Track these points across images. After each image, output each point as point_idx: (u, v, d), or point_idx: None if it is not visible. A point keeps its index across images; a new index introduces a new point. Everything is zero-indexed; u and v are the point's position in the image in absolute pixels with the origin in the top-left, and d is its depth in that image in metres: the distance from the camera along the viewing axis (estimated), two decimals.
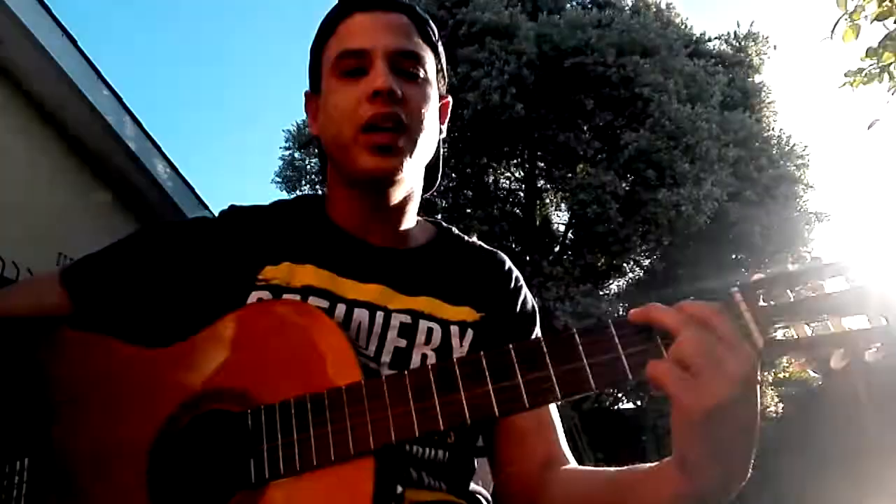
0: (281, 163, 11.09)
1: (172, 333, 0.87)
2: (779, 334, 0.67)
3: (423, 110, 0.92)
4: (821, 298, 0.66)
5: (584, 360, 0.68)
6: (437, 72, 0.98)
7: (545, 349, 0.70)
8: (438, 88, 0.98)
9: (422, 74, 0.93)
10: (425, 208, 1.04)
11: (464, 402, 0.71)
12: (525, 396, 0.69)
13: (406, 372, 0.75)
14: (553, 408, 0.95)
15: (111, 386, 0.87)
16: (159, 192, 4.68)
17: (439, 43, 0.99)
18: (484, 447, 0.98)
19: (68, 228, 4.07)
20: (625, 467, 0.80)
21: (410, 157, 0.91)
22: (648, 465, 0.76)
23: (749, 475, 0.69)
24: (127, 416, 0.84)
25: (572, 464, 0.92)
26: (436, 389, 0.72)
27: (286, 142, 11.09)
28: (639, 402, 11.55)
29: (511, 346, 0.72)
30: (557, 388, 0.69)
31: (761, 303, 0.68)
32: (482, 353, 0.72)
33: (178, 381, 0.83)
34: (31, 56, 3.49)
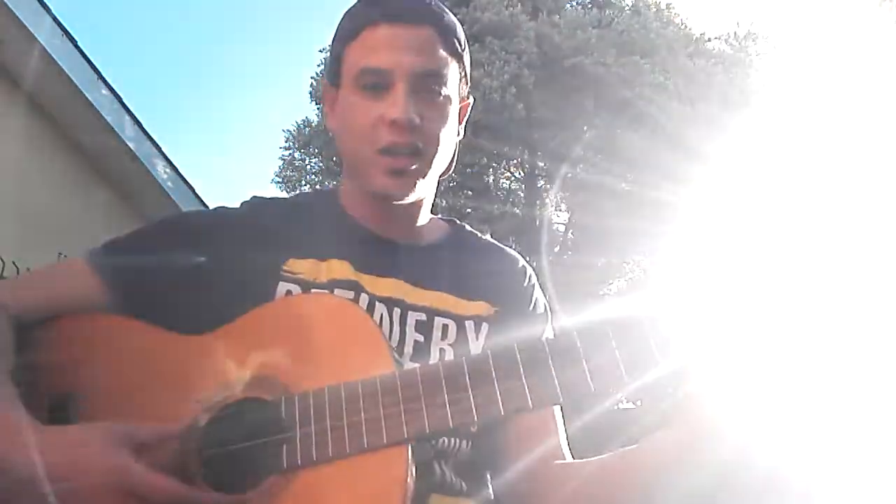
0: (281, 163, 11.10)
1: (200, 318, 0.88)
2: None
3: (440, 132, 0.94)
4: None
5: (617, 355, 0.71)
6: (461, 78, 0.99)
7: (578, 343, 0.72)
8: (460, 93, 1.00)
9: (443, 92, 0.94)
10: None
11: (498, 394, 0.72)
12: (559, 389, 0.71)
13: (440, 363, 0.78)
14: (557, 409, 0.96)
15: (144, 371, 0.88)
16: (159, 192, 4.68)
17: (465, 50, 0.99)
18: None
19: (68, 228, 4.07)
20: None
21: (424, 177, 0.95)
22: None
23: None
24: (159, 401, 0.85)
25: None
26: (470, 381, 0.74)
27: (286, 142, 11.11)
28: (639, 402, 11.55)
29: (545, 339, 0.75)
30: (590, 380, 0.71)
31: None
32: (516, 345, 0.74)
33: (211, 369, 0.84)
34: (31, 56, 3.49)
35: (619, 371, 0.71)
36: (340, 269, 0.95)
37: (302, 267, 0.95)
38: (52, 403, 0.86)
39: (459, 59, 0.97)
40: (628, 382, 0.71)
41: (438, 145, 0.94)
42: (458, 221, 1.11)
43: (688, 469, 0.75)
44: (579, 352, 0.72)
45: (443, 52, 0.93)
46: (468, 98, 1.05)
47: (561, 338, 0.74)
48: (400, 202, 0.95)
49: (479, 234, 1.10)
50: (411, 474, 0.72)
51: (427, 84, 0.92)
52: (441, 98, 0.93)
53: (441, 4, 0.97)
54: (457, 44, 0.96)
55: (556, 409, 0.96)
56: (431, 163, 0.94)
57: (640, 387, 0.71)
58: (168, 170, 4.75)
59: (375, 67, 0.90)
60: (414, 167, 0.92)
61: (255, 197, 1.06)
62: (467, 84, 1.03)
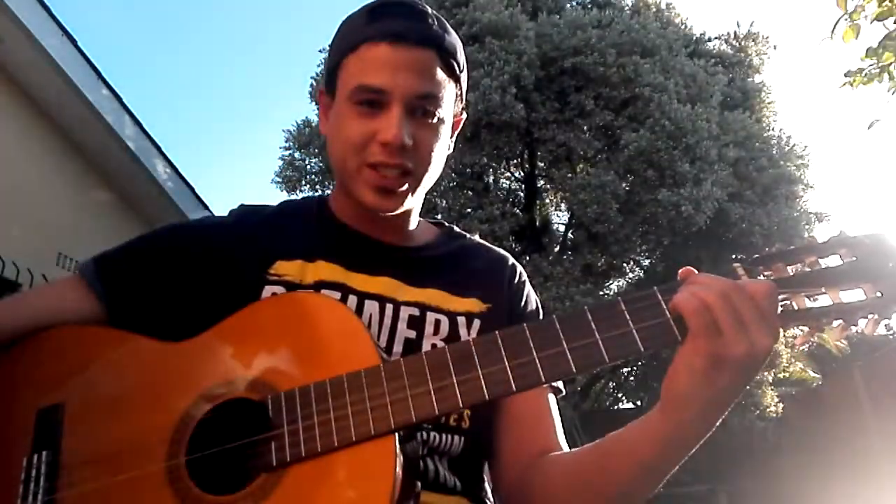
0: (281, 163, 11.07)
1: (189, 327, 0.88)
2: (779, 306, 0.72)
3: (431, 153, 0.95)
4: (818, 272, 0.71)
5: (597, 335, 0.72)
6: (456, 97, 0.99)
7: (558, 326, 0.74)
8: (455, 111, 1.00)
9: (438, 114, 0.94)
10: (425, 208, 1.06)
11: (482, 379, 0.73)
12: (541, 371, 0.73)
13: (423, 353, 0.77)
14: (552, 401, 0.97)
15: (130, 378, 0.89)
16: (159, 192, 4.68)
17: (464, 72, 0.99)
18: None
19: (68, 228, 4.07)
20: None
21: (412, 195, 0.96)
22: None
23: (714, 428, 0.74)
24: (146, 407, 0.85)
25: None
26: (453, 368, 0.74)
27: (286, 142, 11.08)
28: (639, 403, 11.55)
29: (525, 325, 0.75)
30: (571, 362, 0.72)
31: (761, 277, 0.73)
32: (497, 332, 0.75)
33: (196, 373, 0.85)
34: (31, 56, 3.50)
35: (599, 352, 0.72)
36: (328, 270, 0.95)
37: (289, 269, 0.95)
38: (40, 413, 0.87)
39: (457, 80, 0.98)
40: (609, 364, 0.72)
41: (429, 165, 0.95)
42: (446, 224, 1.12)
43: (682, 448, 0.76)
44: (559, 334, 0.73)
45: (441, 75, 0.93)
46: (461, 114, 1.05)
47: (543, 323, 0.75)
48: (386, 215, 0.96)
49: (469, 235, 1.11)
50: (400, 465, 0.72)
51: (423, 106, 0.92)
52: (435, 119, 0.94)
53: (444, 24, 0.96)
54: (455, 66, 0.96)
55: (552, 400, 0.97)
56: (420, 181, 0.96)
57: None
58: (168, 170, 4.75)
59: (373, 86, 0.90)
60: (402, 187, 0.93)
61: (242, 205, 1.07)
62: (462, 102, 1.03)
